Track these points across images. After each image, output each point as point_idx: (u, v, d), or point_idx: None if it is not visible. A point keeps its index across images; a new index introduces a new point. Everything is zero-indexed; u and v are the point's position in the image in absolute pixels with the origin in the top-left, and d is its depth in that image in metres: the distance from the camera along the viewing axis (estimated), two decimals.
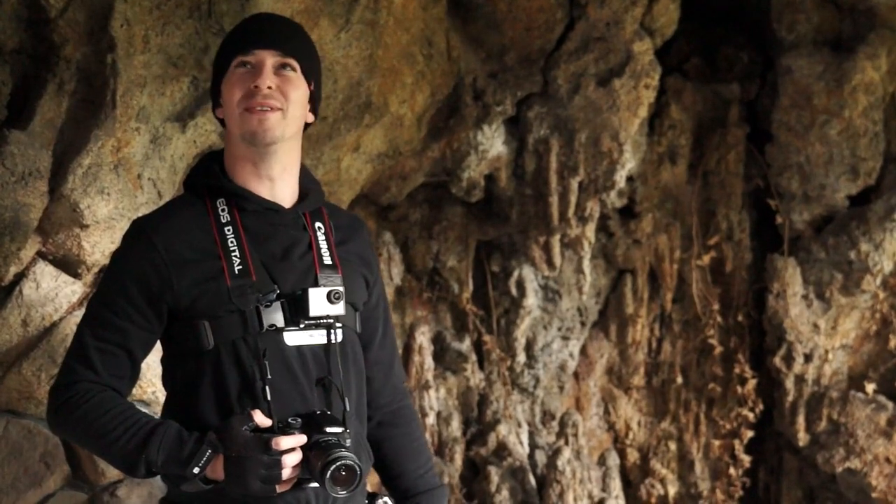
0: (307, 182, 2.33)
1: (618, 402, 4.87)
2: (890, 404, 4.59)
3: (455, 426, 4.59)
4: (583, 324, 4.77)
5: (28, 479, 3.08)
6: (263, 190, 2.24)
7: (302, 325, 2.18)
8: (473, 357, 4.65)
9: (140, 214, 3.11)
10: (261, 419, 2.12)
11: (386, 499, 2.34)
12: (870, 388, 4.63)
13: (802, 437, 4.64)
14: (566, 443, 4.67)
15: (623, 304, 4.79)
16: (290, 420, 2.13)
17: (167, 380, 2.31)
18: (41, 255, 3.09)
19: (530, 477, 4.58)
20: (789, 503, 4.79)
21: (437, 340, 4.63)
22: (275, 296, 2.18)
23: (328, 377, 2.20)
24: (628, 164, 4.28)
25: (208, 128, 3.20)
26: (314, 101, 2.29)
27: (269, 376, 2.14)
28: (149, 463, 2.13)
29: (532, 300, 4.63)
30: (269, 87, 2.18)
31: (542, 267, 4.43)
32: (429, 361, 4.53)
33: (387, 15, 3.55)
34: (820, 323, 4.61)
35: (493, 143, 4.18)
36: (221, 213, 2.22)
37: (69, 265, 3.11)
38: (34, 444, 3.10)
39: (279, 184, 2.25)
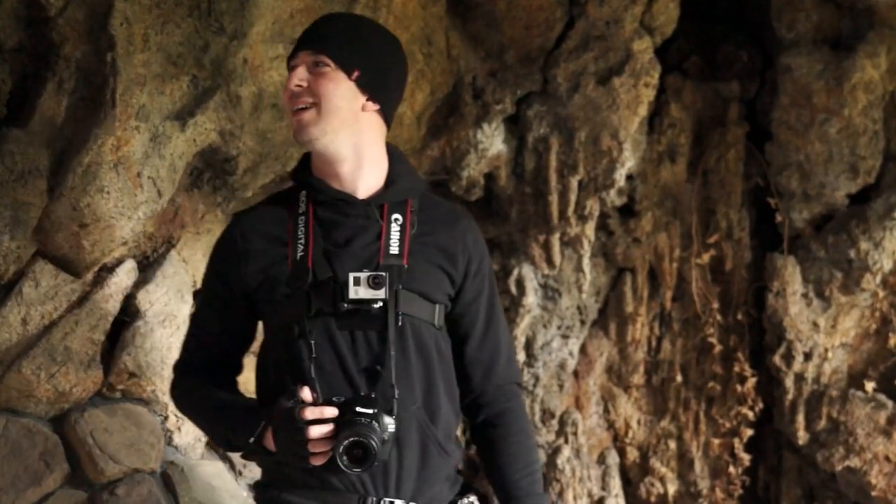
0: (398, 172, 2.35)
1: (617, 401, 4.87)
2: (889, 403, 4.59)
3: None
4: (582, 322, 4.77)
5: (28, 478, 3.08)
6: (335, 181, 2.31)
7: (344, 310, 2.23)
8: None
9: (140, 213, 3.13)
10: (305, 394, 2.21)
11: (473, 498, 2.37)
12: (869, 386, 4.62)
13: (802, 436, 4.64)
14: (566, 441, 4.67)
15: (623, 303, 4.79)
16: (333, 399, 2.21)
17: (257, 360, 2.44)
18: (41, 253, 3.09)
19: None
20: (789, 502, 4.79)
21: None
22: (329, 281, 2.24)
23: (376, 364, 2.24)
24: (628, 162, 4.28)
25: (208, 126, 3.20)
26: (366, 87, 2.30)
27: (314, 356, 2.22)
28: (225, 436, 2.33)
29: (532, 299, 4.64)
30: (298, 87, 2.27)
31: (541, 265, 4.43)
32: None
33: (386, 13, 3.55)
34: (819, 321, 4.61)
35: (493, 141, 4.18)
36: (300, 205, 2.32)
37: (69, 264, 3.11)
38: (34, 443, 3.10)
39: (348, 175, 2.30)
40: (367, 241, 2.28)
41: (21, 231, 2.98)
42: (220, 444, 2.40)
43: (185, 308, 3.35)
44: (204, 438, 3.44)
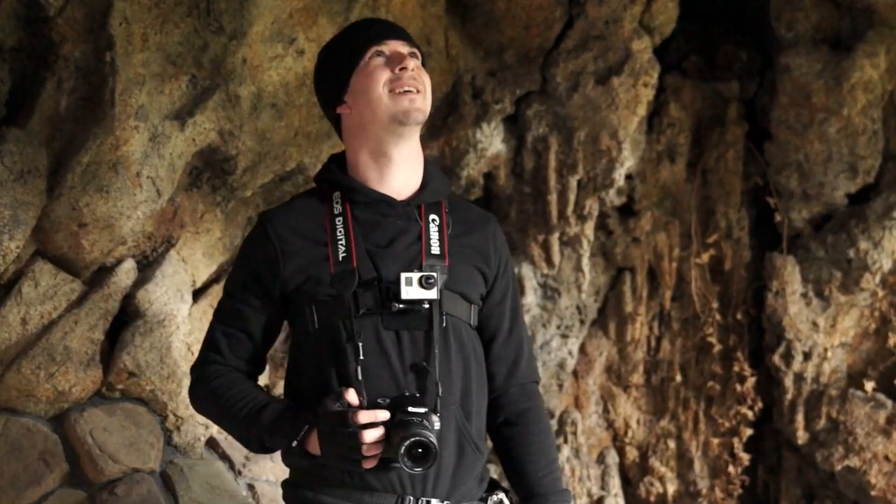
0: (431, 175, 2.40)
1: (617, 401, 4.87)
2: (889, 402, 4.59)
3: None
4: (582, 322, 4.77)
5: (27, 477, 3.08)
6: (383, 181, 2.33)
7: (395, 310, 2.25)
8: None
9: (139, 212, 3.13)
10: (352, 397, 2.20)
11: (502, 496, 2.37)
12: (869, 386, 4.62)
13: (801, 436, 4.64)
14: (565, 441, 4.67)
15: (622, 303, 4.79)
16: (378, 400, 2.21)
17: (289, 360, 2.43)
18: (40, 253, 3.09)
19: None
20: (788, 501, 4.79)
21: None
22: (374, 282, 2.26)
23: (422, 363, 2.25)
24: (627, 162, 4.28)
25: (207, 126, 3.20)
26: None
27: (362, 357, 2.23)
28: (260, 438, 2.29)
29: (531, 298, 4.64)
30: (413, 69, 2.30)
31: (541, 265, 4.43)
32: None
33: (385, 13, 3.55)
34: (819, 321, 4.61)
35: (492, 141, 4.18)
36: (335, 206, 2.33)
37: (68, 263, 3.12)
38: (33, 443, 3.11)
39: (401, 172, 2.34)
40: (408, 241, 2.31)
41: (20, 231, 2.98)
42: (251, 446, 2.35)
43: (185, 307, 3.35)
44: (203, 438, 3.44)
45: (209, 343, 2.41)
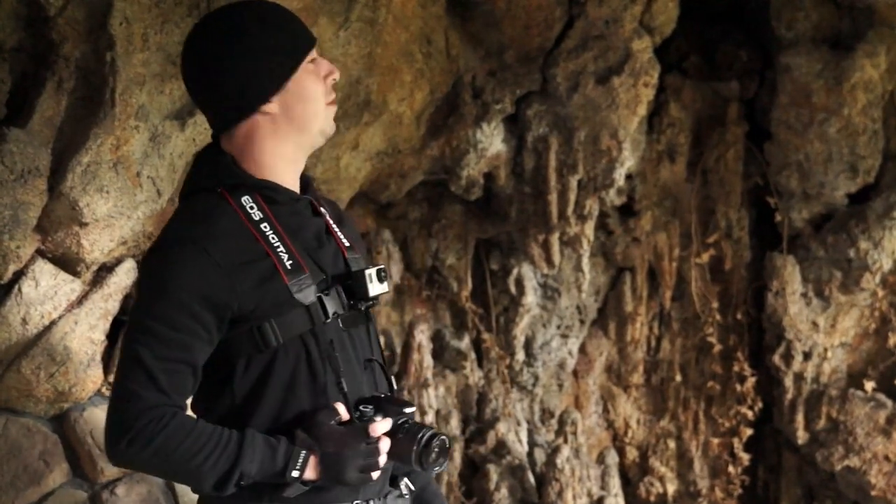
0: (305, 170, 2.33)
1: (617, 401, 4.87)
2: (889, 402, 4.59)
3: (454, 424, 4.59)
4: (582, 322, 4.78)
5: (27, 478, 3.08)
6: (288, 184, 2.19)
7: (363, 308, 2.18)
8: (472, 355, 4.65)
9: (139, 212, 3.12)
10: (343, 412, 2.10)
11: (407, 480, 2.32)
12: (869, 385, 4.63)
13: (801, 436, 4.64)
14: (565, 441, 4.67)
15: (622, 303, 4.79)
16: (361, 408, 2.12)
17: (214, 388, 2.17)
18: (40, 253, 3.09)
19: (529, 475, 4.58)
20: (788, 501, 4.80)
21: (437, 338, 4.63)
22: (327, 284, 2.15)
23: (373, 358, 2.20)
24: (627, 161, 4.28)
25: (207, 126, 3.19)
26: None
27: (343, 368, 2.11)
28: (242, 476, 2.04)
29: (531, 298, 4.64)
30: None
31: (541, 265, 4.43)
32: (428, 359, 4.53)
33: (386, 13, 3.55)
34: (819, 321, 4.61)
35: (493, 141, 4.18)
36: (252, 211, 2.13)
37: (68, 263, 3.11)
38: (33, 442, 3.10)
39: (298, 175, 2.23)
40: (325, 237, 2.22)
41: (21, 230, 2.98)
42: (223, 488, 2.06)
43: None
44: None
45: (145, 382, 2.05)
